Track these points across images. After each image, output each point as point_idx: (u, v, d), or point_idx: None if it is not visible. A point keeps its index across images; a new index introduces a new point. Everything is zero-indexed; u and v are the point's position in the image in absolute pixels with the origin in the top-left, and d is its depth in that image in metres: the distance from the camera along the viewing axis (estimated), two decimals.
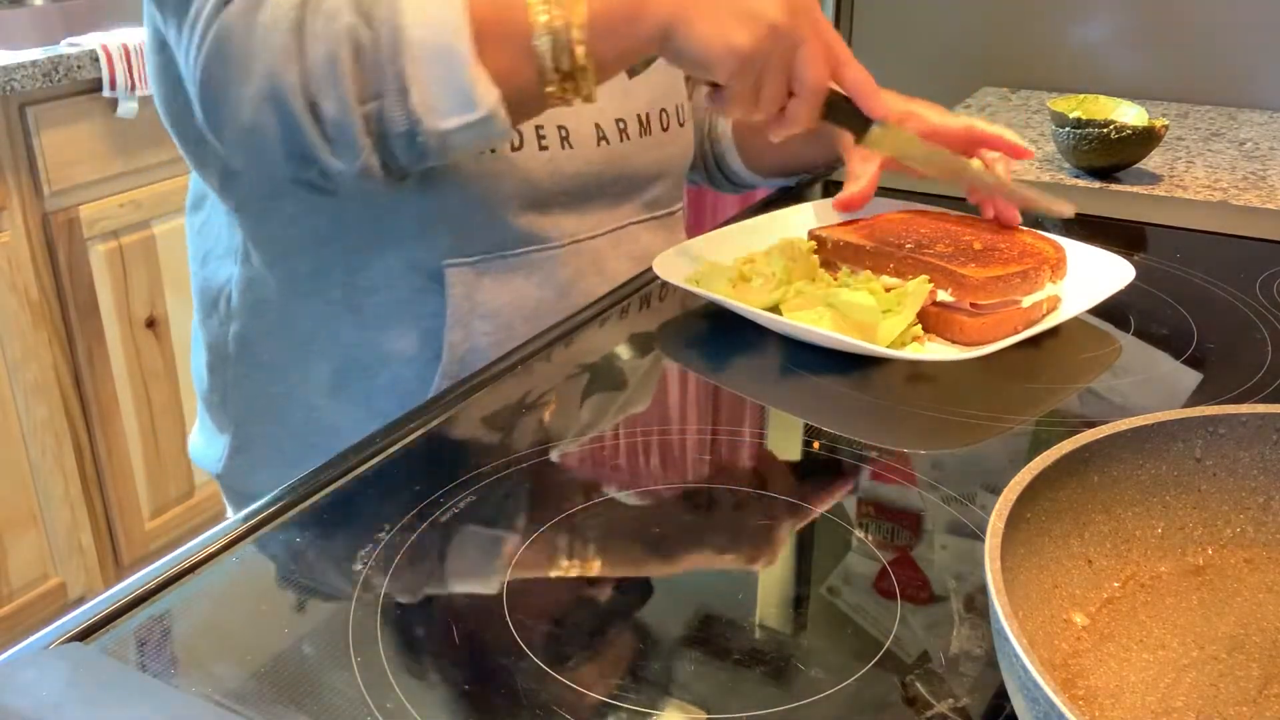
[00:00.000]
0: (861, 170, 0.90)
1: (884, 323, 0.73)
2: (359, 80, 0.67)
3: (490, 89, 0.68)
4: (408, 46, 0.67)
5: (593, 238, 0.89)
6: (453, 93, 0.68)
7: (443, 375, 0.84)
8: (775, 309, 0.76)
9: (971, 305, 0.74)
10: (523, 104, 0.71)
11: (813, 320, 0.73)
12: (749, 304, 0.76)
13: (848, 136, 0.80)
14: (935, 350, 0.75)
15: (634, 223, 0.92)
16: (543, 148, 0.83)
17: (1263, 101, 1.51)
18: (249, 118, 0.69)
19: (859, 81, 0.75)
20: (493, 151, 0.81)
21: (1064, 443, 0.48)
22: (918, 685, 0.46)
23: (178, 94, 0.82)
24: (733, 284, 0.79)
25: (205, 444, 0.96)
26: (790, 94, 0.73)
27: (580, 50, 0.69)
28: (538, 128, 0.83)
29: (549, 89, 0.70)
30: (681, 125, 0.95)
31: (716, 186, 1.11)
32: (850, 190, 0.89)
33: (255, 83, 0.67)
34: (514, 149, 0.82)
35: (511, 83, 0.69)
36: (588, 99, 0.71)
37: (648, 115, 0.91)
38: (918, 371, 0.73)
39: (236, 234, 0.87)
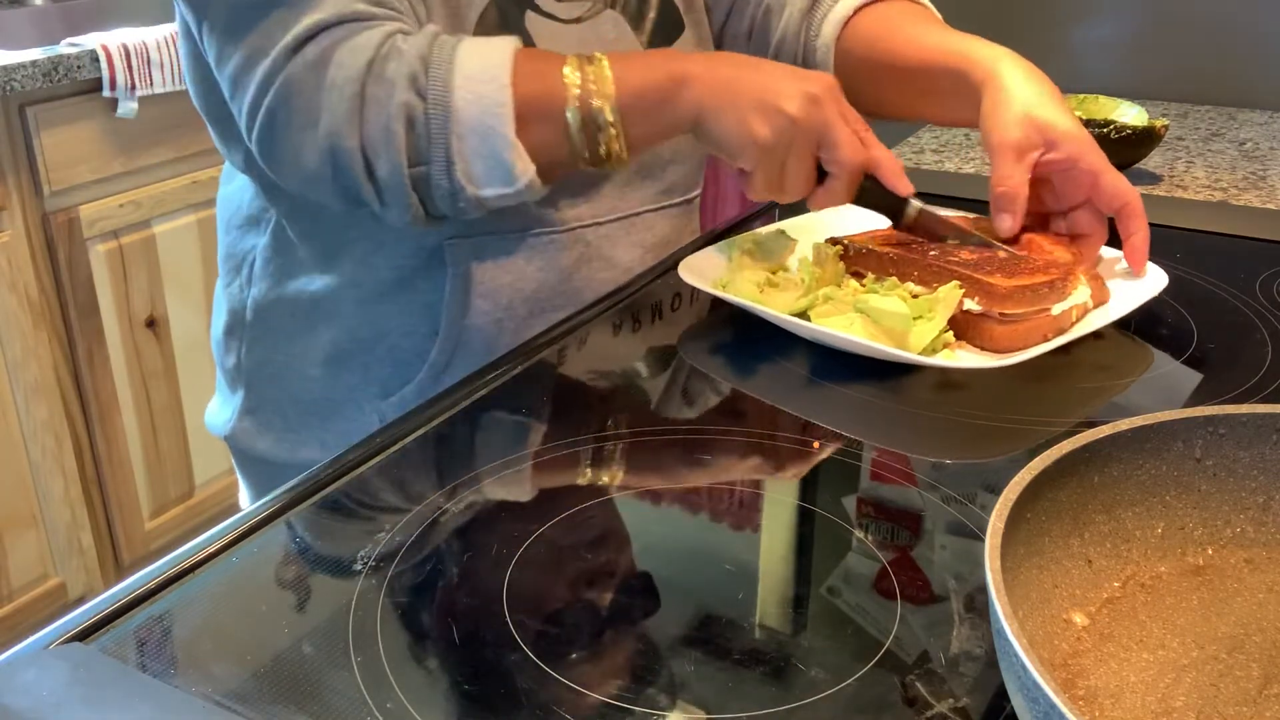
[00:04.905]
0: (1012, 188, 0.79)
1: (915, 329, 0.72)
2: (410, 149, 0.73)
3: (528, 166, 0.74)
4: (455, 124, 0.73)
5: (601, 224, 0.89)
6: (493, 168, 0.74)
7: (438, 351, 0.86)
8: (804, 315, 0.75)
9: (1000, 315, 0.73)
10: (560, 169, 0.77)
11: (843, 326, 0.72)
12: (777, 310, 0.75)
13: (996, 137, 0.79)
14: (966, 358, 0.73)
15: (649, 210, 0.92)
16: None
17: (1263, 101, 1.51)
18: (311, 166, 0.74)
19: (885, 161, 0.78)
20: None
21: (1064, 443, 0.48)
22: (918, 685, 0.46)
23: (209, 77, 0.84)
24: (760, 289, 0.78)
25: (218, 408, 0.99)
26: (824, 174, 0.76)
27: (612, 133, 0.74)
28: None
29: (579, 163, 0.76)
30: None
31: None
32: (1005, 226, 0.80)
33: (318, 138, 0.73)
34: None
35: (549, 156, 0.75)
36: (621, 167, 0.77)
37: None
38: (946, 378, 0.73)
39: (266, 204, 0.90)
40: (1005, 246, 0.79)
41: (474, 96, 0.72)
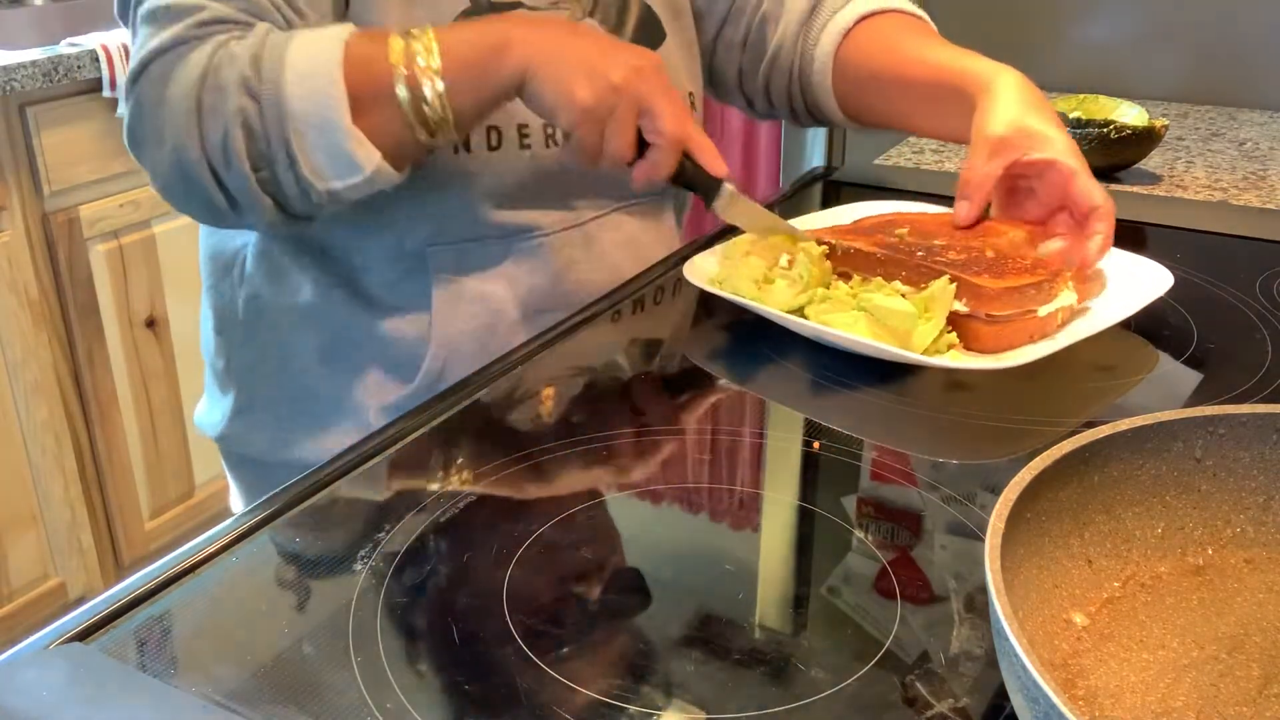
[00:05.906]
0: (978, 177, 0.82)
1: (918, 329, 0.71)
2: (252, 153, 0.73)
3: (370, 152, 0.74)
4: (291, 121, 0.73)
5: (580, 225, 0.89)
6: (336, 160, 0.74)
7: (432, 358, 0.86)
8: (799, 311, 0.75)
9: (987, 315, 0.73)
10: (407, 152, 0.77)
11: (847, 326, 0.72)
12: (774, 306, 0.75)
13: (978, 133, 0.81)
14: (969, 358, 0.73)
15: (617, 209, 0.92)
16: (524, 146, 0.84)
17: (1263, 101, 1.51)
18: (164, 178, 0.76)
19: (703, 142, 0.79)
20: (469, 151, 0.82)
21: (1064, 443, 0.48)
22: (918, 685, 0.46)
23: None
24: (757, 285, 0.78)
25: (208, 409, 0.99)
26: (647, 145, 0.77)
27: (438, 103, 0.74)
28: (521, 127, 0.83)
29: (420, 138, 0.75)
30: None
31: (800, 124, 1.07)
32: (961, 212, 0.83)
33: (166, 154, 0.75)
34: (491, 149, 0.83)
35: (393, 137, 0.75)
36: (452, 141, 0.78)
37: None
38: (947, 378, 0.72)
39: None
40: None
41: (306, 91, 0.72)
